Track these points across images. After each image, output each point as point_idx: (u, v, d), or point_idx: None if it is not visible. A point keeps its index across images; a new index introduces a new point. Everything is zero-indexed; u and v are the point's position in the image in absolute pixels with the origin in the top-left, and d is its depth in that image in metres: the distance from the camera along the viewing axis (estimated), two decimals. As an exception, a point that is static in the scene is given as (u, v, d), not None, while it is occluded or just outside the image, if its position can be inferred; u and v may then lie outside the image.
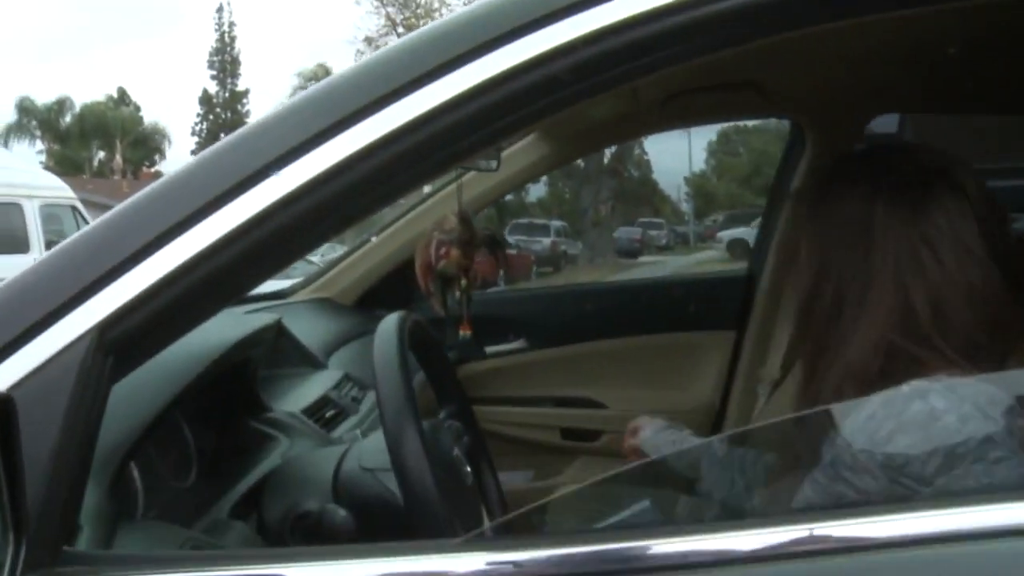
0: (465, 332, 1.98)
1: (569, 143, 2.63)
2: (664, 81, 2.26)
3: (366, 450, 1.31)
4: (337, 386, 2.00)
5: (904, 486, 0.86)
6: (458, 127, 0.90)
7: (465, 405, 1.54)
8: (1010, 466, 0.86)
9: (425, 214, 2.68)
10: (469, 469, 1.35)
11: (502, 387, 2.88)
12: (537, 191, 29.29)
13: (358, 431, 1.73)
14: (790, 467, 1.08)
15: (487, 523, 1.37)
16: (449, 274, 1.90)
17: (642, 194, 31.75)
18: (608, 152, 22.81)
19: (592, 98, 0.95)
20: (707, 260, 22.91)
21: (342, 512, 1.20)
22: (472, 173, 2.37)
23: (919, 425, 0.88)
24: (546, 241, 21.41)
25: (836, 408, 0.99)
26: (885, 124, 2.74)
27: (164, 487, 1.26)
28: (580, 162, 23.62)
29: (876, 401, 0.93)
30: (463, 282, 1.89)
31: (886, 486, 0.87)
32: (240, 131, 0.96)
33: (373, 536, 1.17)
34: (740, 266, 3.28)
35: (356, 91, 0.92)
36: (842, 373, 1.02)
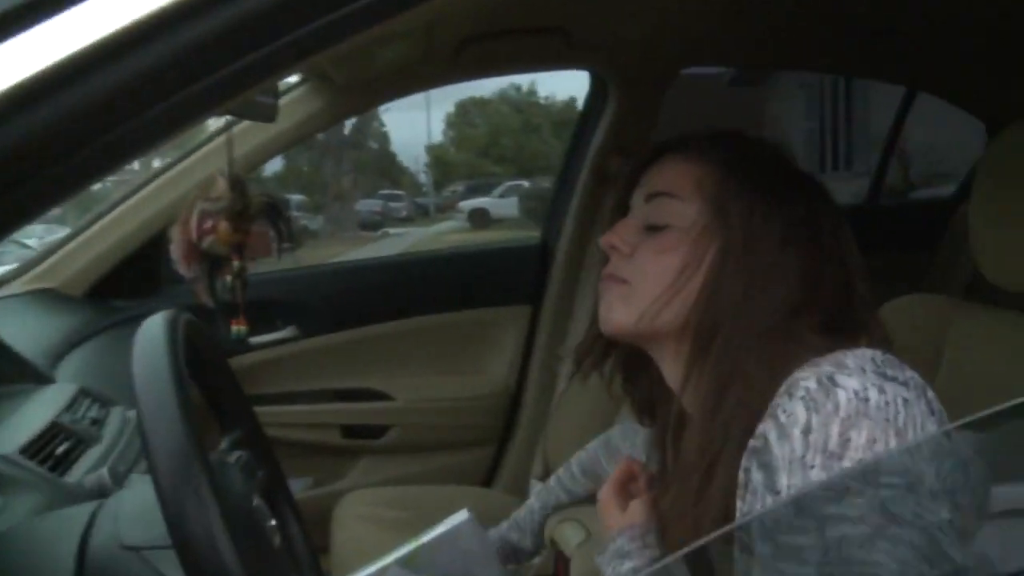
0: (239, 328, 1.55)
1: (355, 93, 2.25)
2: (462, 23, 1.97)
3: (125, 514, 0.90)
4: (70, 407, 1.52)
5: (889, 486, 0.72)
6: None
7: (254, 427, 1.15)
8: (928, 418, 0.80)
9: (177, 179, 2.22)
10: (274, 522, 0.97)
11: (270, 383, 2.54)
12: (274, 165, 28.35)
13: (104, 470, 1.28)
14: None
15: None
16: (217, 253, 1.47)
17: (382, 166, 31.47)
18: (349, 124, 22.40)
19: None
20: (448, 231, 23.04)
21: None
22: (239, 128, 1.97)
23: (859, 414, 0.77)
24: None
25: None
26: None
27: None
28: (320, 135, 23.10)
29: (796, 412, 0.79)
30: (235, 263, 1.46)
31: (874, 496, 0.72)
32: None
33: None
34: (532, 234, 3.01)
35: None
36: (746, 385, 0.89)
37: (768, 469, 0.79)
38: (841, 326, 0.92)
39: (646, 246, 0.99)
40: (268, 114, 1.40)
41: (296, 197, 22.94)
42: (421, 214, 30.18)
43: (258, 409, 2.39)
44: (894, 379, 0.81)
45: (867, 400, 0.78)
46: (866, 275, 0.97)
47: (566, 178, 2.73)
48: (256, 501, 0.95)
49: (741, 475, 0.84)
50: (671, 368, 1.00)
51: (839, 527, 0.70)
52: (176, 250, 1.52)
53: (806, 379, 0.81)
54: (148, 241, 2.26)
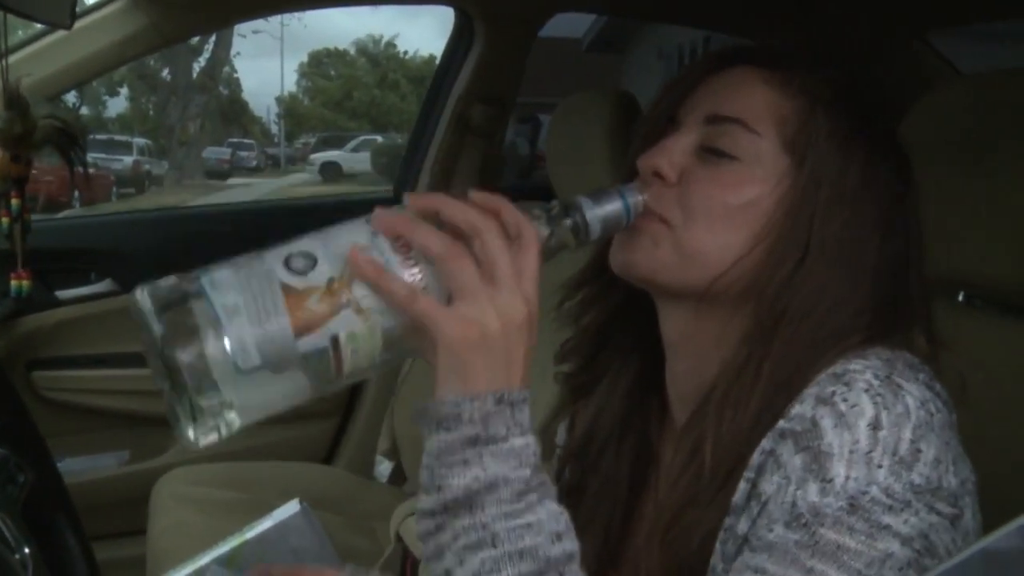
0: (20, 282, 1.28)
1: (185, 12, 1.94)
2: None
3: None
4: None
5: (939, 513, 0.65)
6: None
7: (18, 415, 0.89)
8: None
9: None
10: (26, 550, 0.73)
11: (82, 343, 2.25)
12: (117, 105, 27.13)
13: None
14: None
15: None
16: None
17: (232, 113, 30.60)
18: (196, 66, 21.62)
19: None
20: (299, 183, 22.81)
21: None
22: (44, 44, 1.68)
23: (927, 427, 0.66)
24: (128, 160, 19.77)
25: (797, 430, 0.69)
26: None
27: None
28: (167, 75, 22.16)
29: (861, 403, 0.66)
30: (14, 203, 1.19)
31: (926, 521, 0.64)
32: None
33: None
34: (383, 188, 2.79)
35: None
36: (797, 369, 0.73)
37: (815, 454, 0.66)
38: (892, 322, 0.77)
39: (701, 176, 0.78)
40: (61, 16, 1.12)
41: (139, 140, 22.05)
42: (271, 165, 29.52)
43: (64, 373, 2.19)
44: (940, 396, 0.70)
45: (932, 414, 0.68)
46: (923, 264, 0.81)
47: (423, 128, 2.51)
48: (-2, 521, 0.71)
49: (756, 457, 0.70)
50: (703, 335, 0.80)
51: (889, 542, 0.63)
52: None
53: (860, 372, 0.69)
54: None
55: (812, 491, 0.64)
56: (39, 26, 1.83)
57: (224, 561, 1.27)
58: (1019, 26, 2.20)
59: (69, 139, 1.26)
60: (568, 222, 0.73)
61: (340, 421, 2.48)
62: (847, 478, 0.64)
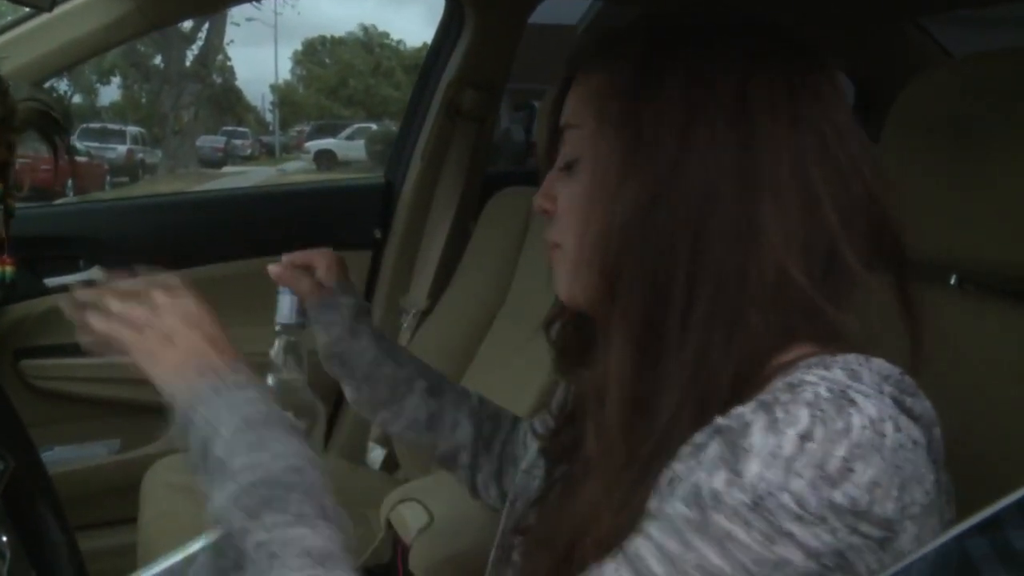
0: (4, 268, 1.26)
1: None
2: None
3: None
4: None
5: (863, 535, 0.61)
6: None
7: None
8: (929, 469, 0.64)
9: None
10: (4, 538, 0.72)
11: (71, 331, 2.13)
12: (110, 93, 27.00)
13: None
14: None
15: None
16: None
17: (226, 101, 30.48)
18: (190, 54, 21.54)
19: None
20: (294, 171, 22.76)
21: None
22: (27, 29, 1.66)
23: (872, 448, 0.61)
24: (121, 148, 19.70)
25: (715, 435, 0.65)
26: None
27: None
28: (159, 63, 22.08)
29: (798, 414, 0.62)
30: (-2, 188, 1.17)
31: (845, 539, 0.60)
32: None
33: None
34: (375, 175, 2.77)
35: None
36: (712, 383, 0.69)
37: (733, 447, 0.63)
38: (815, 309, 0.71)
39: (562, 195, 0.80)
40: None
41: (133, 129, 21.97)
42: (266, 153, 29.42)
43: (53, 362, 2.17)
44: (910, 412, 0.65)
45: (883, 435, 0.62)
46: (854, 233, 0.72)
47: (413, 114, 2.50)
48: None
49: (687, 448, 0.66)
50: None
51: (789, 550, 0.60)
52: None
53: (813, 384, 0.64)
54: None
55: (719, 479, 0.61)
56: (25, 11, 1.81)
57: (214, 549, 1.26)
58: (1013, 11, 2.19)
59: (52, 123, 1.24)
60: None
61: (332, 408, 2.46)
62: (760, 477, 0.61)
